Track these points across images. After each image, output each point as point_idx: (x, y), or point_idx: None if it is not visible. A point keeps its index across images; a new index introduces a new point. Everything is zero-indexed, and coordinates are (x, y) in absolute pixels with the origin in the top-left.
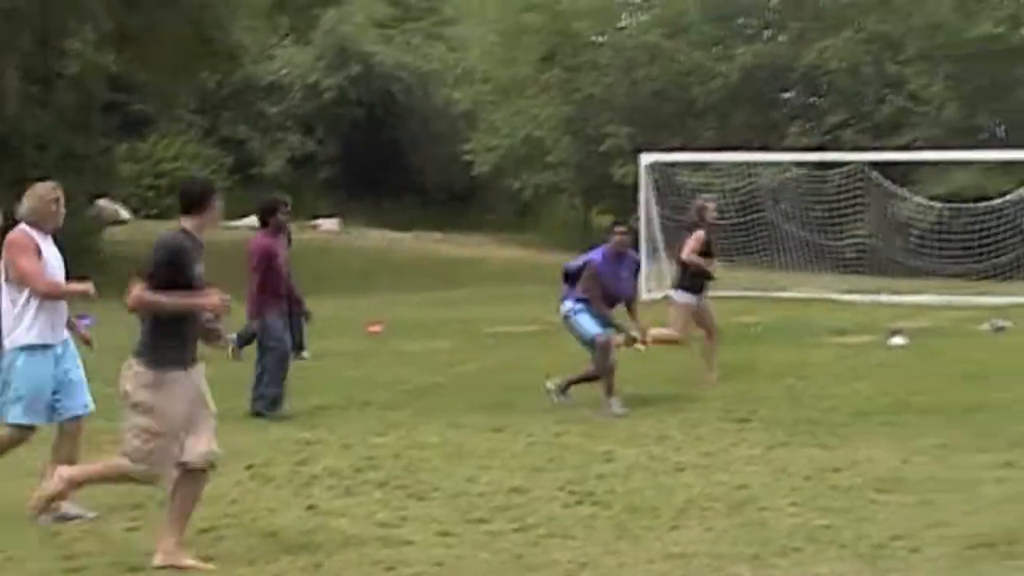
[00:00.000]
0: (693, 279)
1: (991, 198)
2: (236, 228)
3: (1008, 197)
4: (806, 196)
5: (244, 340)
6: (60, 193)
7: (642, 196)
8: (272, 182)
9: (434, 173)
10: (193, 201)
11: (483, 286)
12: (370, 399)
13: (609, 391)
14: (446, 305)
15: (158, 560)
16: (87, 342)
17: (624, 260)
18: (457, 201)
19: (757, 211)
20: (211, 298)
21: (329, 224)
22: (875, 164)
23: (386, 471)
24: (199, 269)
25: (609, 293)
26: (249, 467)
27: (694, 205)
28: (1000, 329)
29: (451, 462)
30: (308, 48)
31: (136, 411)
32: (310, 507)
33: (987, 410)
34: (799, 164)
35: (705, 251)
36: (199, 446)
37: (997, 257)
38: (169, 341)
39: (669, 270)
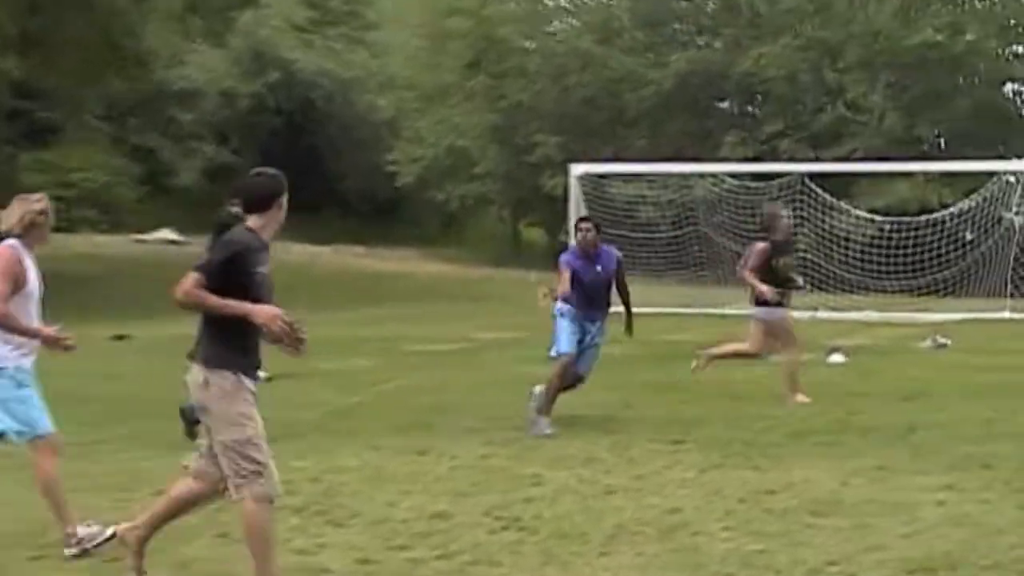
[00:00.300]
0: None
1: (933, 211)
2: (146, 242)
3: (950, 210)
4: (742, 208)
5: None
6: (49, 205)
7: (572, 208)
8: (185, 194)
9: (356, 184)
10: (260, 198)
11: (406, 302)
12: (287, 420)
13: (543, 410)
14: (367, 322)
15: (119, 528)
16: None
17: (599, 257)
18: (380, 213)
19: (692, 224)
20: (267, 310)
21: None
22: (813, 175)
23: (303, 496)
24: (263, 270)
25: (589, 289)
26: (159, 493)
27: (765, 212)
28: (941, 346)
29: (371, 486)
30: (223, 53)
31: (224, 423)
32: (222, 535)
33: (927, 430)
34: (735, 175)
35: (771, 265)
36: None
37: (938, 272)
38: (239, 343)
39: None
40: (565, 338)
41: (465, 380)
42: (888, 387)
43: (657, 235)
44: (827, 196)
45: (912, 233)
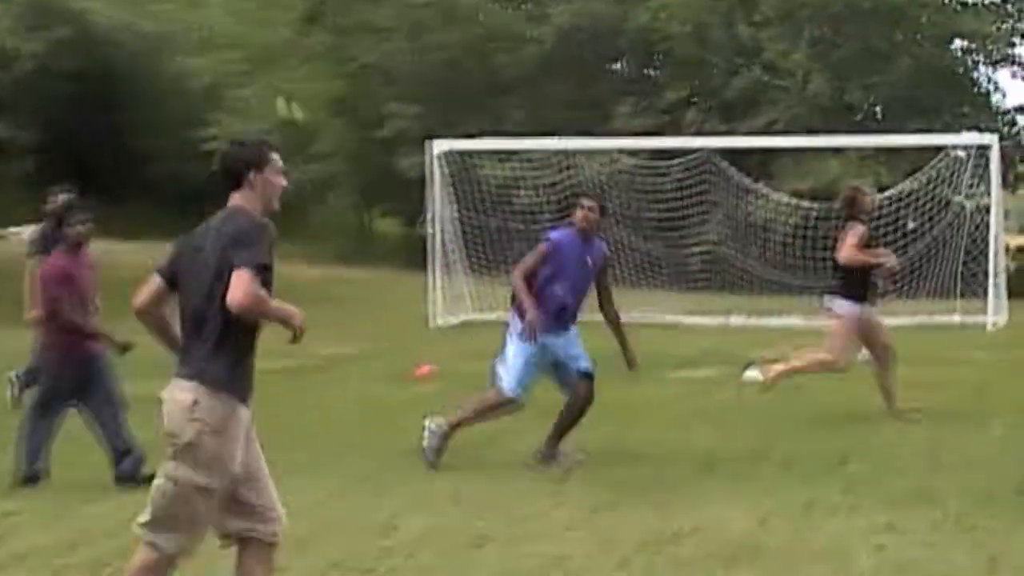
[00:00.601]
0: (854, 284)
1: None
2: None
3: (888, 193)
4: (640, 193)
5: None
6: None
7: (434, 194)
8: None
9: (167, 166)
10: (231, 171)
11: None
12: (80, 460)
13: (444, 437)
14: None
15: None
16: None
17: (591, 246)
18: (197, 202)
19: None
20: (298, 314)
21: (29, 233)
22: (725, 152)
23: (99, 549)
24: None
25: (567, 287)
26: None
27: (845, 192)
28: None
29: None
30: None
31: (187, 459)
32: None
33: (862, 459)
34: (631, 153)
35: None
36: (272, 511)
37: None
38: (245, 363)
39: (473, 291)
40: (517, 373)
41: (303, 406)
42: (815, 408)
43: (538, 225)
44: (742, 177)
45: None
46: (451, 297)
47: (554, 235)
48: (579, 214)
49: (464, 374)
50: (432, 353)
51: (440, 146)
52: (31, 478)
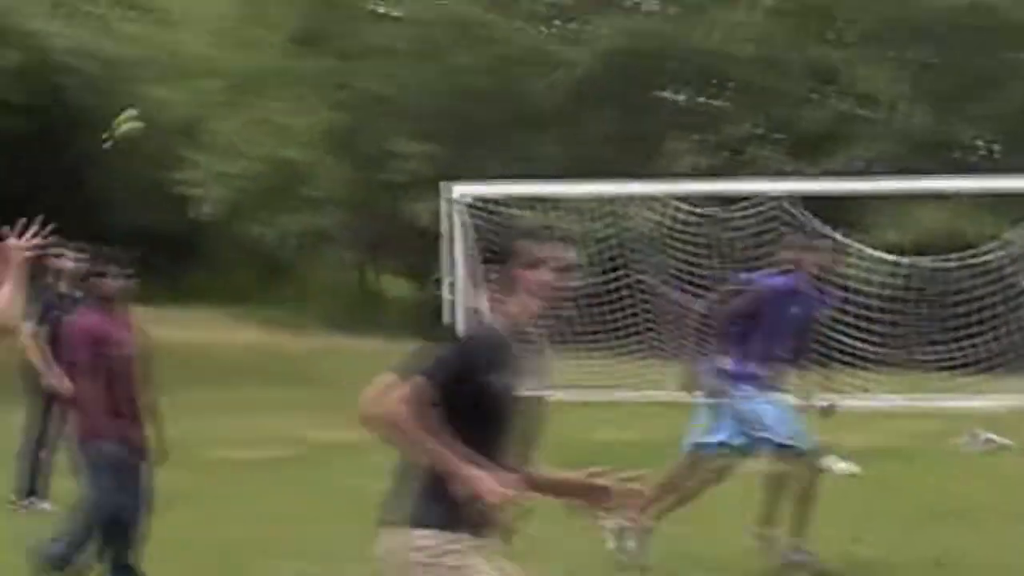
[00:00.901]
0: None
1: (970, 246)
2: None
3: (995, 245)
4: (698, 247)
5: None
6: None
7: (456, 248)
8: None
9: (133, 214)
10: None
11: (207, 386)
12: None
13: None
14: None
15: None
16: None
17: (803, 300)
18: (168, 256)
19: (624, 269)
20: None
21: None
22: (802, 197)
23: None
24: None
25: (788, 338)
26: None
27: None
28: (991, 446)
29: None
30: None
31: None
32: None
33: (963, 568)
34: (686, 198)
35: None
36: None
37: (984, 336)
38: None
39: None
40: (778, 421)
41: (294, 503)
42: (909, 506)
43: (575, 283)
44: (820, 226)
45: (945, 279)
46: None
47: (767, 284)
48: (811, 258)
49: None
50: None
51: (458, 190)
52: None
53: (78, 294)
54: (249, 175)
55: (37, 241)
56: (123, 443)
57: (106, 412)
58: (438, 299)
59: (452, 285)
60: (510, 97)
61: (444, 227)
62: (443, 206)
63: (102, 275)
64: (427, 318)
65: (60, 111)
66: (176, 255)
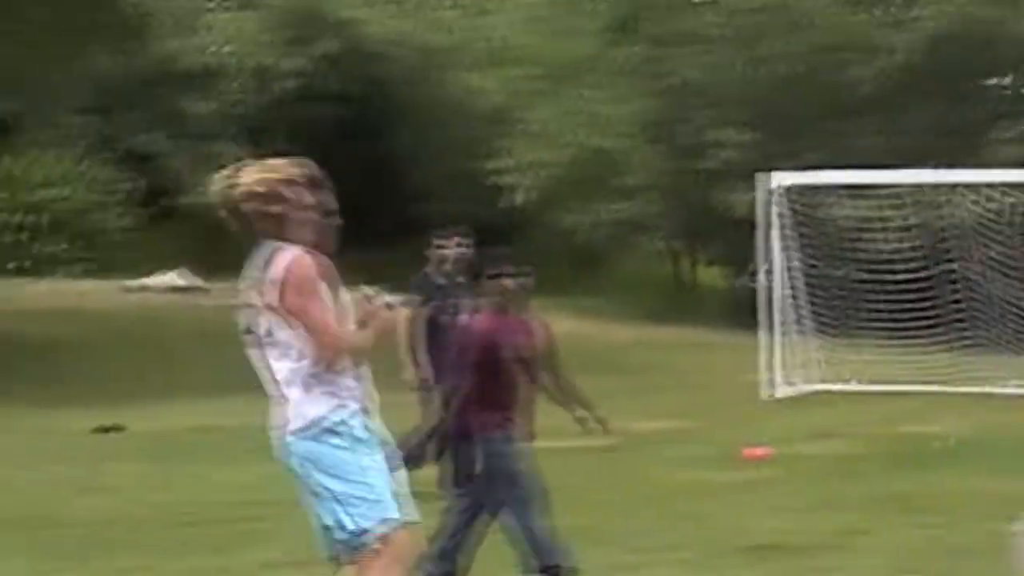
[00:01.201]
0: None
1: None
2: (145, 289)
3: None
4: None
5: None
6: None
7: (768, 237)
8: (199, 219)
9: (447, 203)
10: None
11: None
12: None
13: None
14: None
15: None
16: None
17: None
18: (482, 246)
19: (947, 262)
20: None
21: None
22: None
23: None
24: None
25: None
26: None
27: None
28: None
29: None
30: (253, 15)
31: None
32: None
33: None
34: (1014, 186)
35: None
36: None
37: None
38: None
39: (817, 355)
40: None
41: (607, 491)
42: None
43: (895, 277)
44: None
45: None
46: (790, 363)
47: None
48: None
49: (805, 457)
50: (766, 430)
51: (776, 179)
52: None
53: (460, 280)
54: (562, 164)
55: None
56: (509, 439)
57: (495, 408)
58: (753, 289)
59: (768, 274)
60: (830, 85)
61: (760, 216)
62: (760, 195)
63: (499, 276)
64: (742, 308)
65: (376, 99)
66: (489, 245)
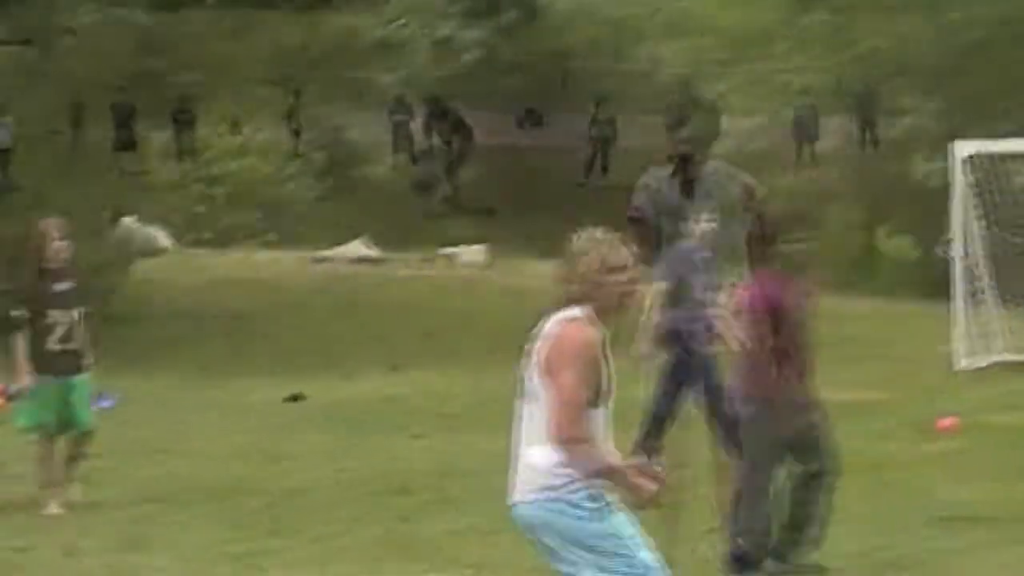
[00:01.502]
0: None
1: None
2: (330, 260)
3: None
4: None
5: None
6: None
7: (958, 208)
8: (381, 190)
9: (632, 174)
10: None
11: None
12: None
13: None
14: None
15: None
16: None
17: None
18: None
19: None
20: None
21: (471, 254)
22: None
23: None
24: None
25: None
26: None
27: None
28: None
29: None
30: None
31: None
32: None
33: None
34: None
35: None
36: None
37: None
38: None
39: (1005, 326)
40: None
41: None
42: None
43: None
44: None
45: None
46: (978, 334)
47: None
48: None
49: (992, 428)
50: (955, 401)
51: (966, 148)
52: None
53: (707, 254)
54: (743, 134)
55: None
56: (801, 406)
57: (778, 375)
58: (946, 260)
59: (957, 243)
60: (1018, 52)
61: (953, 186)
62: (950, 164)
63: (775, 241)
64: (929, 277)
65: (558, 71)
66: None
